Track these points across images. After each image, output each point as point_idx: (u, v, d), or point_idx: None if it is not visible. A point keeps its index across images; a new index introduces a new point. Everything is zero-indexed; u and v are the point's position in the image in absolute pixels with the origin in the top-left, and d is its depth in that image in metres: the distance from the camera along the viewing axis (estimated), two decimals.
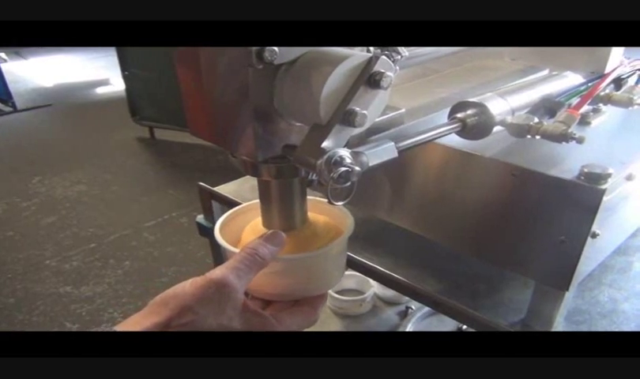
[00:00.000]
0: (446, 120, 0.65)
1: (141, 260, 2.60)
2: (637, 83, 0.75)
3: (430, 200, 0.77)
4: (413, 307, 1.45)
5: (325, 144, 0.47)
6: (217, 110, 0.53)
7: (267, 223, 0.62)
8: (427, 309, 1.40)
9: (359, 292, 1.50)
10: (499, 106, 0.63)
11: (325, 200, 0.61)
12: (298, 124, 0.53)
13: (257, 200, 0.62)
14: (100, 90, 5.50)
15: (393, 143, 0.52)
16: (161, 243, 2.74)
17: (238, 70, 0.48)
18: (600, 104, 0.74)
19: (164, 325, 0.44)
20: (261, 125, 0.50)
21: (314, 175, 0.55)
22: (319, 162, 0.46)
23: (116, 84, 5.12)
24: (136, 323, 0.44)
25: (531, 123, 0.63)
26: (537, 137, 0.64)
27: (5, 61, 6.31)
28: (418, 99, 0.76)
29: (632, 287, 0.81)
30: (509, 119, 0.64)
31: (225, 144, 0.54)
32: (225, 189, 1.09)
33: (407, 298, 1.43)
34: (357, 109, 0.47)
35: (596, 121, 0.70)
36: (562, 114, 0.64)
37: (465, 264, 0.84)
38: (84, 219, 3.00)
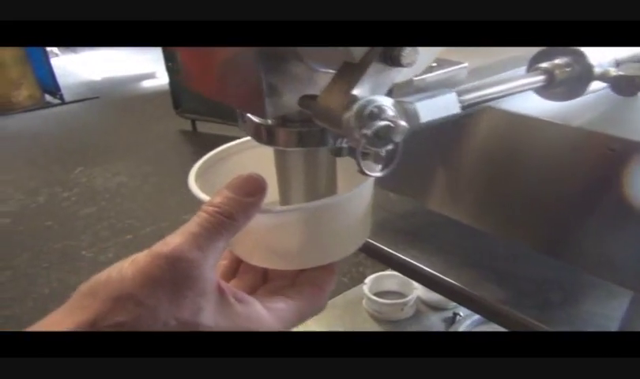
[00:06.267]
0: None
1: None
2: None
3: (493, 185, 0.62)
4: (462, 313, 1.29)
5: (358, 90, 0.34)
6: (218, 53, 0.40)
7: (285, 203, 0.49)
8: (478, 315, 1.24)
9: (401, 295, 1.36)
10: (600, 54, 0.48)
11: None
12: (322, 70, 0.40)
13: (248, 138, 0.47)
14: (146, 83, 5.56)
15: (454, 92, 0.38)
16: None
17: None
18: None
19: (91, 324, 0.31)
20: (271, 70, 0.38)
21: (345, 140, 0.41)
22: (347, 114, 0.33)
23: (162, 78, 5.15)
24: (54, 323, 0.32)
25: None
26: None
27: (57, 55, 6.49)
28: (483, 58, 0.61)
29: None
30: (613, 71, 0.48)
31: (227, 98, 0.42)
32: None
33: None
34: None
35: None
36: None
37: (534, 266, 0.69)
38: (123, 210, 2.98)
